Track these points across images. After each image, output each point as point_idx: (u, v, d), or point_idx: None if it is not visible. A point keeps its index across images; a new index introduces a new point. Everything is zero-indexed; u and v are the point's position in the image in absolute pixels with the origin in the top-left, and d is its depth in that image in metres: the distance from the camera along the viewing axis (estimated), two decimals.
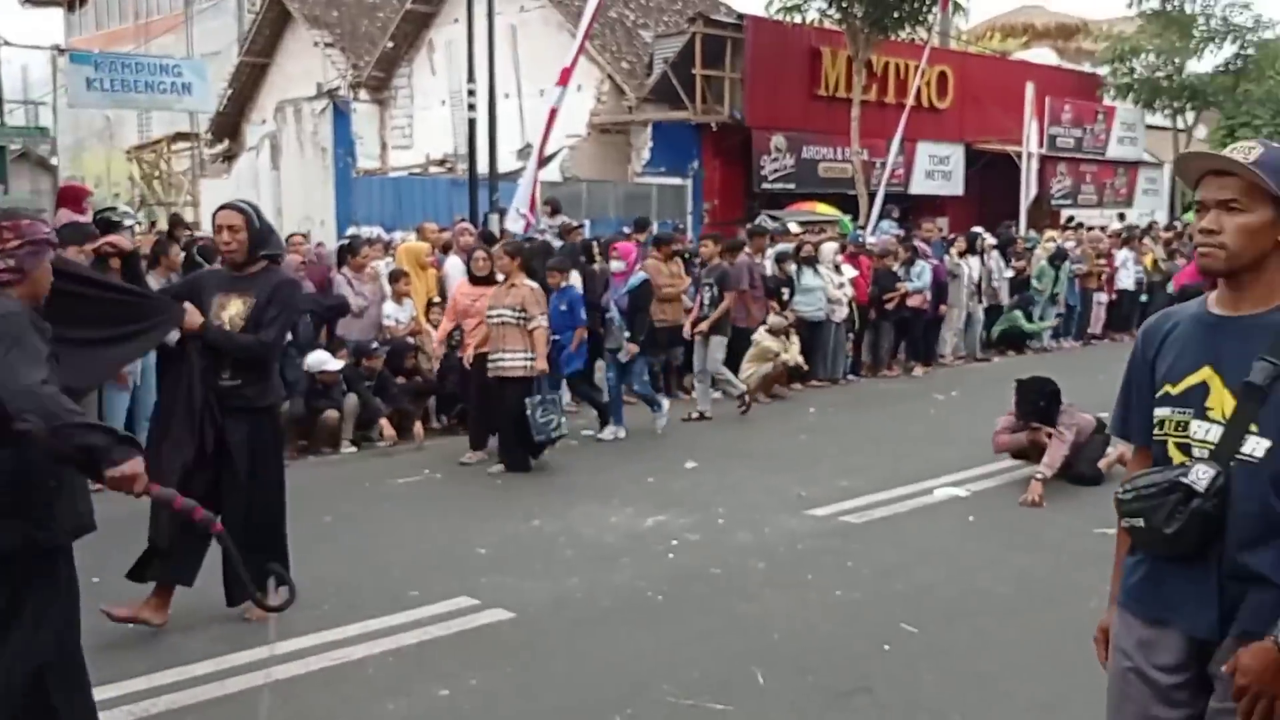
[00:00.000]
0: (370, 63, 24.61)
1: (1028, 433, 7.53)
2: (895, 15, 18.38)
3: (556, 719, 4.05)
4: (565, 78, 14.19)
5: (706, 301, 10.23)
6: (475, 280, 8.65)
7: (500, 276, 8.28)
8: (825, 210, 18.26)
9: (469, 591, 5.39)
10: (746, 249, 11.93)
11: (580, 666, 4.51)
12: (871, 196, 18.15)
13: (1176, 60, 25.76)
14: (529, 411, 7.80)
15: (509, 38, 19.85)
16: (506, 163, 18.12)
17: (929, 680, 4.38)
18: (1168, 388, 2.31)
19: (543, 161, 15.60)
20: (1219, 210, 2.20)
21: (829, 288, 12.30)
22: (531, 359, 7.86)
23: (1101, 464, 7.54)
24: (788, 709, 4.13)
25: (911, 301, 13.05)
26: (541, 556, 6.02)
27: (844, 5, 18.30)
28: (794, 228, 14.49)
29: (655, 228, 14.49)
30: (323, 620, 4.99)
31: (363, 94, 24.67)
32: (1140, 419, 2.41)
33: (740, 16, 20.02)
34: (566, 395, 10.65)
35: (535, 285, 8.09)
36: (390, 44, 24.18)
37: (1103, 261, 16.43)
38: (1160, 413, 2.32)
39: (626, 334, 9.23)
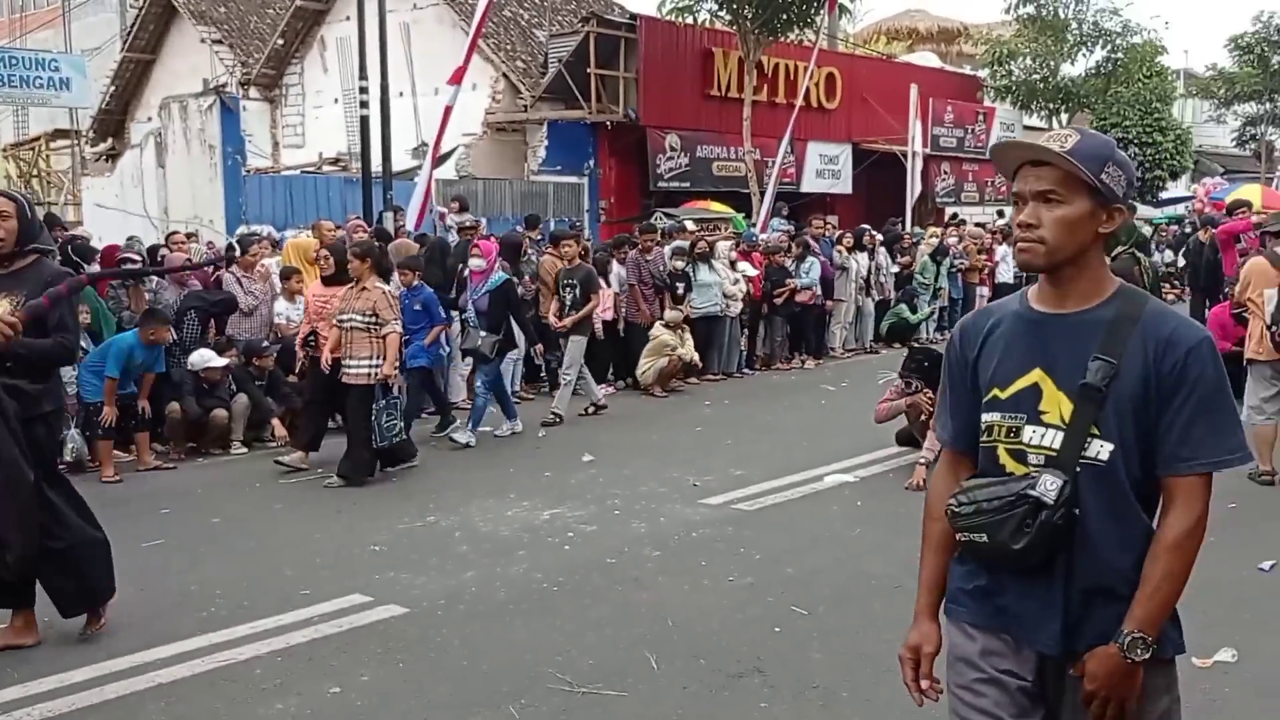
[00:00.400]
0: (260, 60, 23.98)
1: (907, 398, 7.65)
2: (784, 17, 18.61)
3: (450, 712, 3.99)
4: (459, 76, 14.02)
5: (569, 302, 10.08)
6: (326, 281, 8.22)
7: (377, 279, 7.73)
8: (719, 208, 18.41)
9: (361, 589, 5.29)
10: (638, 246, 12.00)
11: (474, 659, 4.45)
12: (764, 195, 18.37)
13: (1051, 64, 26.66)
14: (374, 417, 7.43)
15: (402, 36, 19.56)
16: (402, 161, 17.84)
17: (818, 660, 4.44)
18: (996, 391, 2.15)
19: (438, 160, 15.45)
20: (1037, 202, 2.07)
21: (724, 283, 12.44)
22: (377, 365, 7.44)
23: None
24: (680, 693, 4.14)
25: (801, 297, 13.26)
26: (436, 552, 5.94)
27: (734, 7, 18.47)
28: (689, 225, 14.58)
29: (552, 225, 14.47)
30: (209, 622, 4.85)
31: (253, 92, 24.04)
32: (962, 424, 2.26)
33: (633, 16, 20.04)
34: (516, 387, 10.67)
35: (388, 288, 7.70)
36: (280, 41, 23.59)
37: (983, 256, 16.95)
38: (989, 418, 2.16)
39: (483, 334, 8.81)
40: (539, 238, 12.66)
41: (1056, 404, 2.08)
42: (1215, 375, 2.05)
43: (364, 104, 14.05)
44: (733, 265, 12.78)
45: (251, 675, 4.30)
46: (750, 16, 18.46)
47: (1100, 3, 26.67)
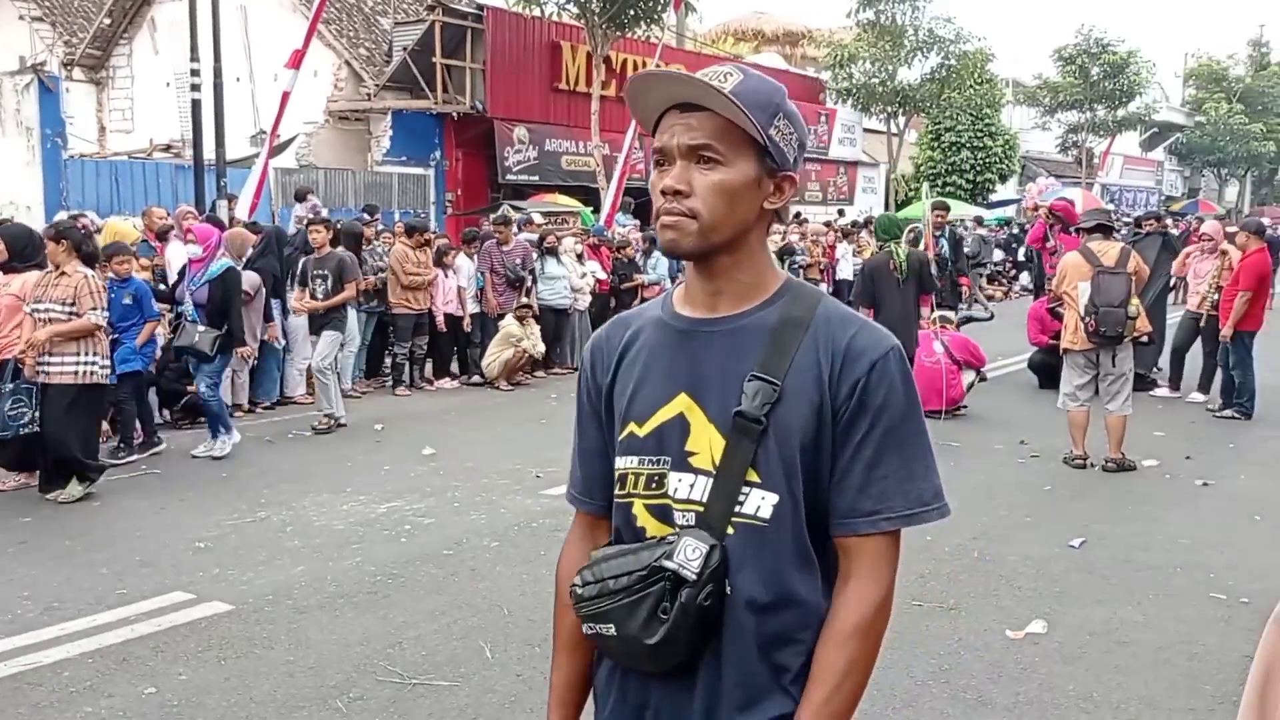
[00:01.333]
0: (85, 40, 22.74)
1: None
2: (631, 13, 18.73)
3: (272, 709, 3.86)
4: (297, 60, 13.61)
5: (320, 294, 9.19)
6: (3, 269, 7.16)
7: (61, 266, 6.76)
8: (567, 202, 18.40)
9: (183, 587, 5.08)
10: (496, 236, 11.91)
11: (301, 655, 4.32)
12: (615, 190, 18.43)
13: (889, 68, 27.60)
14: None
15: (239, 19, 18.86)
16: (239, 148, 17.21)
17: None
18: (633, 427, 1.58)
19: (277, 148, 14.97)
20: (687, 161, 1.50)
21: (572, 277, 12.44)
22: (89, 363, 6.67)
23: None
24: (514, 680, 4.12)
25: (649, 292, 13.39)
26: (266, 547, 5.75)
27: (581, 0, 18.49)
28: (537, 218, 14.53)
29: (398, 216, 14.20)
30: (14, 625, 4.57)
31: (77, 73, 22.77)
32: (595, 473, 1.68)
33: (480, 6, 19.83)
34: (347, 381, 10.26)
35: (91, 274, 6.78)
36: (107, 20, 22.42)
37: (821, 256, 17.46)
38: (624, 464, 1.59)
39: (201, 329, 7.96)
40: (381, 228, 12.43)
41: (707, 441, 1.52)
42: (906, 398, 1.52)
43: (195, 88, 13.48)
44: (580, 259, 12.79)
45: (59, 678, 4.07)
46: (598, 11, 18.51)
47: (935, 10, 27.80)
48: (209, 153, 13.91)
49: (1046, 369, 10.35)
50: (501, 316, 11.55)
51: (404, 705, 3.88)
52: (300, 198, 14.37)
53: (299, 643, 4.45)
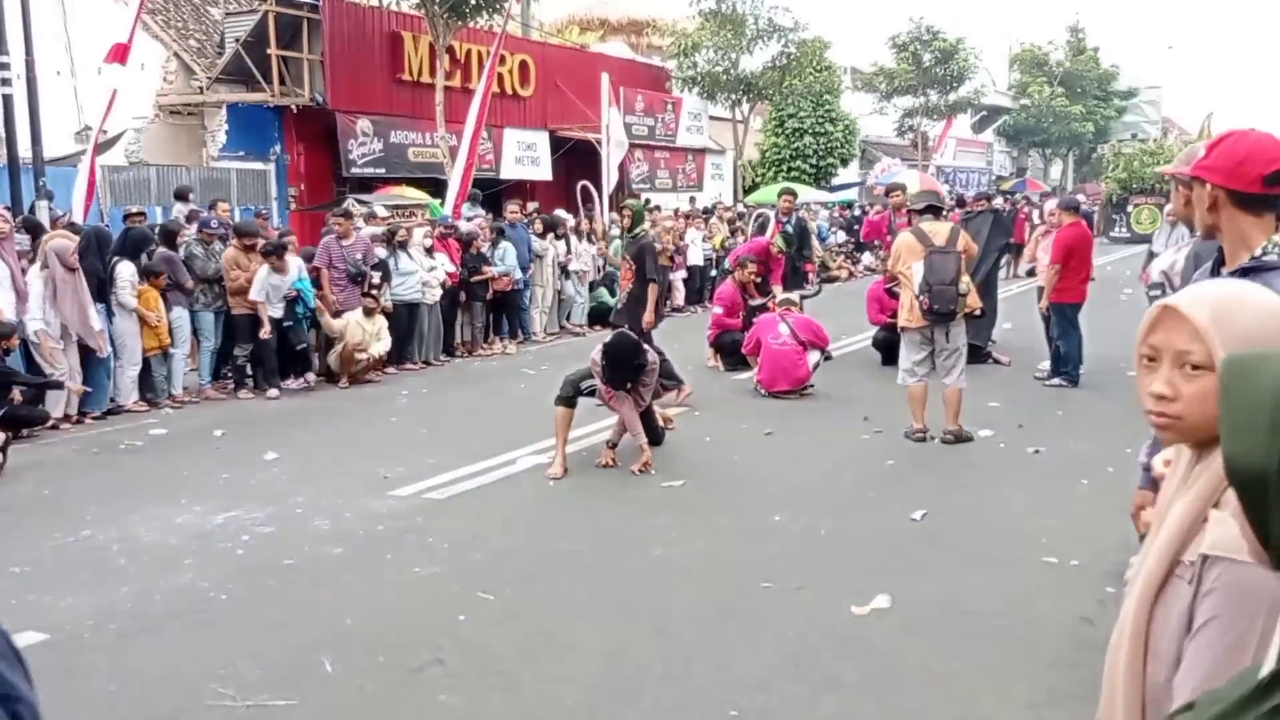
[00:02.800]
0: None
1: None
2: (472, 2, 18.36)
3: None
4: (121, 54, 12.90)
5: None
6: None
7: None
8: (415, 194, 17.95)
9: None
10: (335, 230, 11.48)
11: (124, 683, 4.02)
12: (462, 181, 18.07)
13: (732, 56, 27.88)
14: None
15: (57, 9, 17.73)
16: (62, 146, 16.21)
17: (500, 644, 4.33)
18: None
19: (102, 145, 14.13)
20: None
21: (421, 271, 12.12)
22: None
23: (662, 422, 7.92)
24: (356, 693, 3.92)
25: (498, 284, 13.18)
26: (90, 568, 5.36)
27: None
28: (380, 210, 14.10)
29: (238, 215, 13.61)
30: None
31: None
32: None
33: None
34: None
35: None
36: None
37: (672, 243, 17.44)
38: None
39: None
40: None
41: None
42: None
43: (6, 82, 12.57)
44: (429, 253, 12.47)
45: None
46: (438, 1, 18.08)
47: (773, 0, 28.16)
48: (24, 150, 13.02)
49: (888, 346, 10.57)
50: (339, 314, 11.11)
51: None
52: (181, 196, 13.69)
53: (121, 671, 4.14)
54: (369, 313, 11.08)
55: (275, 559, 5.45)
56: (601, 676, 4.02)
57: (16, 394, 8.28)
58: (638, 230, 9.54)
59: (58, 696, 3.90)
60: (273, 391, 10.37)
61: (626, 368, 7.16)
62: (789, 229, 11.87)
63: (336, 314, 11.14)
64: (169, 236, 10.42)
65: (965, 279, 7.61)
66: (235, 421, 9.19)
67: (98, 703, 3.87)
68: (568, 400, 7.22)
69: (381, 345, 11.22)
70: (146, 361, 9.81)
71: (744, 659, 4.17)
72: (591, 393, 7.39)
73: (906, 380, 7.87)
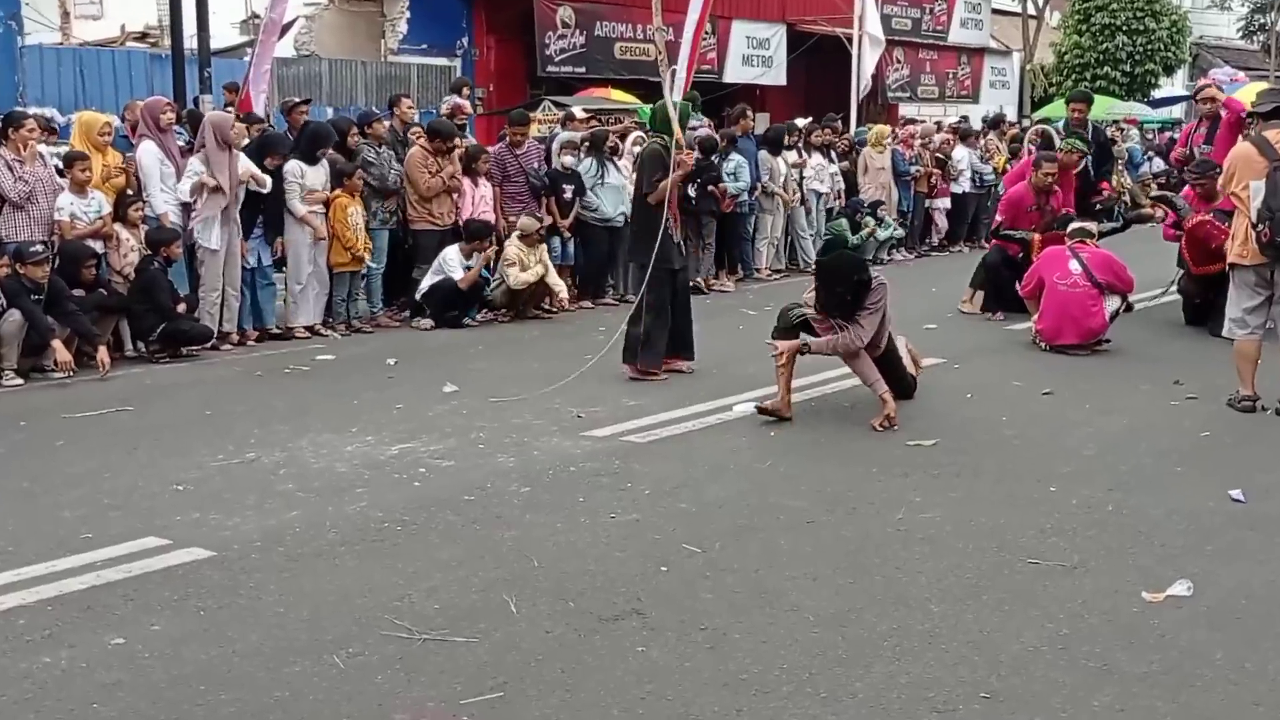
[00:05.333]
0: None
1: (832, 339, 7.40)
2: None
3: (258, 662, 4.02)
4: None
5: None
6: None
7: None
8: (621, 98, 18.39)
9: (157, 531, 5.27)
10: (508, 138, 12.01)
11: (293, 605, 4.48)
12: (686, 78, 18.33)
13: None
14: None
15: None
16: (226, 36, 17.49)
17: (708, 599, 4.56)
18: None
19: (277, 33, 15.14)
20: None
21: (629, 186, 12.40)
22: None
23: (912, 370, 7.95)
24: (543, 637, 4.23)
25: (726, 206, 13.36)
26: (255, 491, 5.94)
27: None
28: (579, 114, 14.53)
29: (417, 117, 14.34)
30: None
31: None
32: None
33: None
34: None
35: None
36: None
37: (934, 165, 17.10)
38: None
39: None
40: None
41: None
42: None
43: None
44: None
45: (14, 626, 4.27)
46: None
47: None
48: (189, 41, 14.15)
49: (1195, 303, 10.27)
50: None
51: (412, 661, 4.02)
52: (457, 90, 14.54)
53: (291, 593, 4.61)
54: (527, 238, 11.27)
55: (455, 494, 5.87)
56: (826, 642, 4.19)
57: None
58: (649, 144, 9.14)
59: (227, 613, 4.40)
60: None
61: (843, 286, 7.20)
62: (1073, 140, 11.57)
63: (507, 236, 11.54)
64: (340, 136, 11.11)
65: None
66: (410, 351, 9.80)
67: (264, 622, 4.33)
68: (786, 331, 7.38)
69: (534, 275, 11.38)
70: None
71: (1000, 638, 4.25)
72: (806, 325, 7.46)
73: (1235, 332, 7.61)
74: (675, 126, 8.76)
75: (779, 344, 7.33)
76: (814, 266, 7.30)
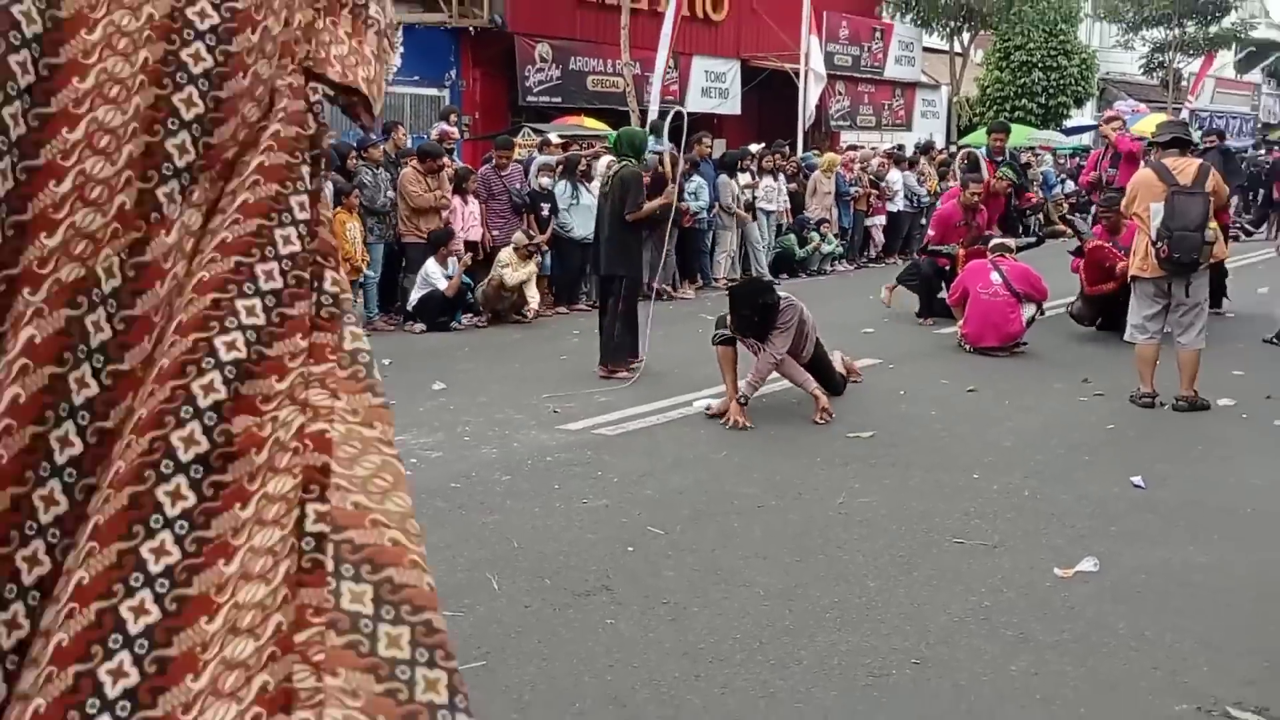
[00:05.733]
0: None
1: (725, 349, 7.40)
2: None
3: None
4: None
5: None
6: None
7: None
8: (594, 125, 18.36)
9: None
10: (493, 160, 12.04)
11: None
12: (643, 113, 18.36)
13: None
14: None
15: None
16: None
17: (670, 577, 4.57)
18: None
19: None
20: None
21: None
22: None
23: (836, 368, 7.97)
24: (522, 611, 4.22)
25: (687, 221, 13.39)
26: None
27: None
28: (554, 139, 14.53)
29: (409, 142, 14.28)
30: None
31: None
32: None
33: None
34: None
35: None
36: None
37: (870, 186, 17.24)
38: None
39: None
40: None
41: None
42: None
43: None
44: None
45: None
46: None
47: None
48: None
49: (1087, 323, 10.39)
50: (496, 249, 11.57)
51: None
52: (445, 117, 14.52)
53: None
54: (519, 250, 11.34)
55: (442, 482, 5.85)
56: (775, 614, 4.20)
57: None
58: (622, 166, 9.03)
59: None
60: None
61: (749, 309, 7.20)
62: (1006, 169, 11.66)
63: (494, 249, 11.58)
64: (340, 159, 11.07)
65: (1213, 225, 7.35)
66: (402, 353, 9.75)
67: None
68: (726, 340, 7.38)
69: (524, 280, 11.45)
70: None
71: (929, 611, 4.27)
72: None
73: (1136, 338, 7.68)
74: (668, 167, 8.73)
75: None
76: (727, 291, 7.27)
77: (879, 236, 17.65)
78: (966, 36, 28.53)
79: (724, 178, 14.45)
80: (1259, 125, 42.73)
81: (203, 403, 1.17)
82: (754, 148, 16.55)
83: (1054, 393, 8.16)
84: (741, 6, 23.36)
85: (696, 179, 13.66)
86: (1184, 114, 32.22)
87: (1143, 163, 8.70)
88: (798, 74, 20.91)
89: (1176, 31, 34.23)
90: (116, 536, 1.14)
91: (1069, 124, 29.68)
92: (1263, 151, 27.90)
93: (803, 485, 5.86)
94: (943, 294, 10.86)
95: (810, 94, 20.63)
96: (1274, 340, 9.67)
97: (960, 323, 9.84)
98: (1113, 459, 6.43)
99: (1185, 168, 7.44)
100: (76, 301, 1.22)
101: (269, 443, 1.17)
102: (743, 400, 7.19)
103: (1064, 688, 3.68)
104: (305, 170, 1.36)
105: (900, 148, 24.34)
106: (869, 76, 26.21)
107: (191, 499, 1.15)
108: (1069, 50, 28.11)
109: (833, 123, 25.11)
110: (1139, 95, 33.16)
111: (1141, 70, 36.37)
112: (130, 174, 1.30)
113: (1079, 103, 29.32)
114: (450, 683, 1.18)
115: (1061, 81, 28.04)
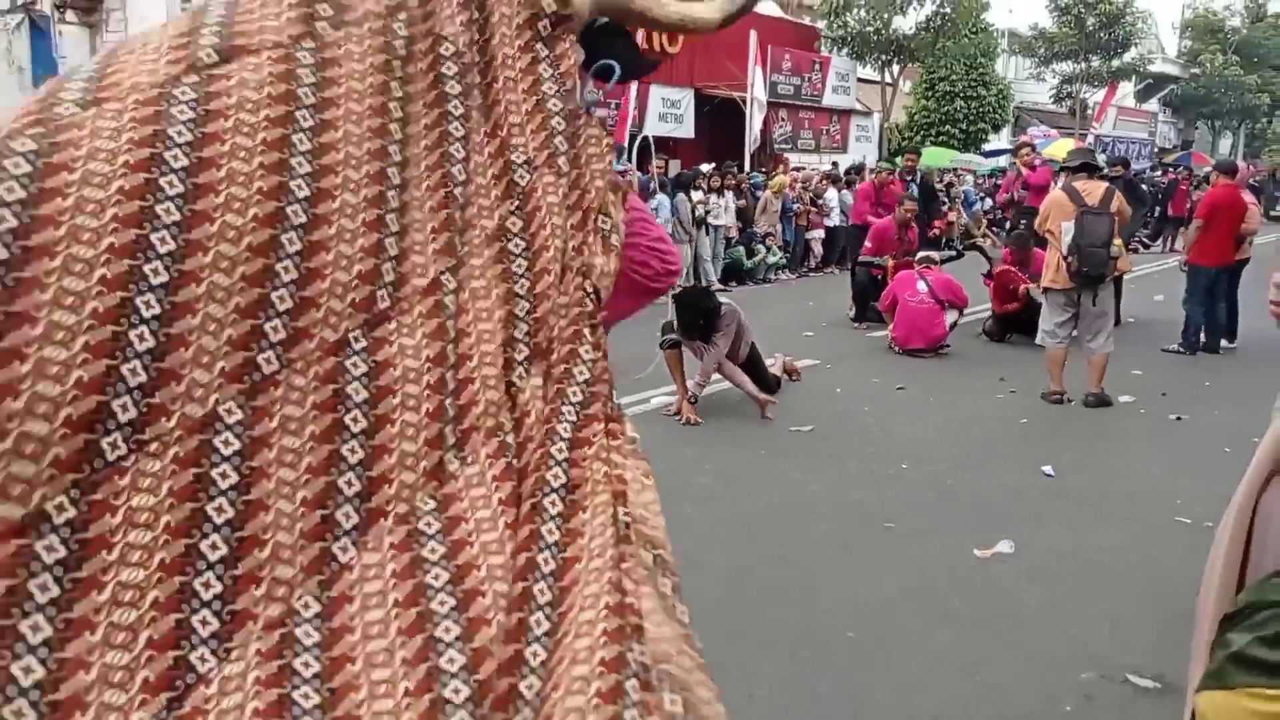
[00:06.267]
0: None
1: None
2: None
3: None
4: None
5: None
6: None
7: None
8: None
9: None
10: None
11: None
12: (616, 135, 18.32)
13: (885, 16, 27.33)
14: None
15: None
16: None
17: None
18: None
19: None
20: None
21: None
22: None
23: (776, 369, 7.99)
24: None
25: None
26: None
27: None
28: None
29: None
30: None
31: (70, 15, 22.50)
32: None
33: None
34: None
35: None
36: None
37: (810, 204, 17.35)
38: None
39: None
40: None
41: None
42: None
43: None
44: None
45: None
46: None
47: None
48: None
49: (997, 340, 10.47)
50: None
51: None
52: None
53: None
54: None
55: None
56: (725, 594, 4.20)
57: None
58: None
59: None
60: None
61: (693, 314, 7.23)
62: (912, 188, 11.79)
63: None
64: None
65: (1118, 242, 7.44)
66: None
67: None
68: (673, 344, 7.38)
69: None
70: None
71: (863, 590, 4.29)
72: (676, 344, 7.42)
73: (1047, 342, 7.76)
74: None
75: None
76: (671, 298, 7.27)
77: (818, 249, 17.71)
78: (896, 69, 28.73)
79: (680, 196, 14.48)
80: (1156, 150, 43.39)
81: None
82: (705, 168, 16.58)
83: (974, 390, 8.23)
84: (694, 41, 23.40)
85: (658, 197, 13.69)
86: (1090, 139, 32.67)
87: (1054, 185, 8.80)
88: (745, 101, 20.98)
89: (1083, 65, 34.68)
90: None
91: (987, 147, 29.94)
92: (1159, 173, 28.32)
93: (750, 476, 5.87)
94: (874, 301, 10.92)
95: (755, 120, 20.73)
96: (1177, 349, 9.77)
97: (890, 327, 9.89)
98: (1026, 450, 6.49)
99: (1093, 190, 7.53)
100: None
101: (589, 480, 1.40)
102: (693, 399, 7.19)
103: (985, 659, 3.71)
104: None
105: (835, 166, 24.55)
106: (809, 104, 26.30)
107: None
108: (987, 81, 28.36)
109: (776, 145, 25.18)
110: (1050, 122, 33.54)
111: (1052, 99, 36.82)
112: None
113: (996, 128, 29.59)
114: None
115: (981, 109, 28.28)
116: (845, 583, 4.36)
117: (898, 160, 23.29)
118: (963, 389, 8.26)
